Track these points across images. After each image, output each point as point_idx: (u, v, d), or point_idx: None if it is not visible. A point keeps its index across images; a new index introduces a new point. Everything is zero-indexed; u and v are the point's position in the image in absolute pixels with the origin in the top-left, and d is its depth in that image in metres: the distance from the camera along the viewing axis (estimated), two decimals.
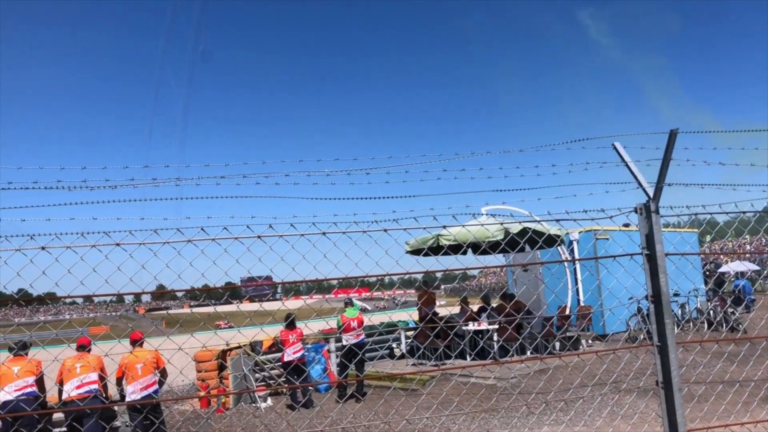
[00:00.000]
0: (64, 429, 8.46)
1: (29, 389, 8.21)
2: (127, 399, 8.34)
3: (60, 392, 8.30)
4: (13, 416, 7.51)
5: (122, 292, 4.73)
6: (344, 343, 12.14)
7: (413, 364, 14.23)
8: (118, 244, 4.47)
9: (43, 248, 4.15)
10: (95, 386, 8.17)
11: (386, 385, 12.98)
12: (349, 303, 12.64)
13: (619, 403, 9.29)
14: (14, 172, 4.30)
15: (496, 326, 13.42)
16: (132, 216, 4.11)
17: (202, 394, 12.80)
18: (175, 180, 4.27)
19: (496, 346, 13.31)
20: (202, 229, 4.51)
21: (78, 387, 8.05)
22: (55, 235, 4.09)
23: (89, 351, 8.64)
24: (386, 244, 4.56)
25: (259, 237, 4.70)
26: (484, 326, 13.57)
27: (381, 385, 13.10)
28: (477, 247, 14.76)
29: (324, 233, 4.49)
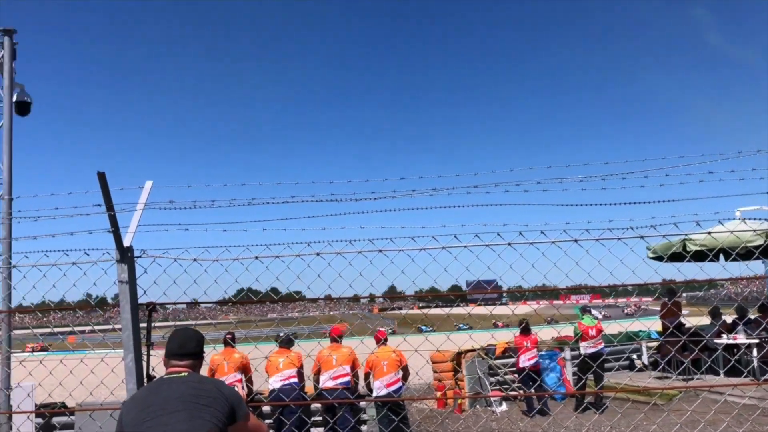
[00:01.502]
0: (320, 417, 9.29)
1: (292, 380, 9.15)
2: (375, 394, 8.92)
3: (317, 381, 9.12)
4: (281, 404, 8.47)
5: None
6: (582, 352, 11.77)
7: (656, 378, 13.35)
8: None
9: (318, 254, 4.67)
10: (347, 379, 8.85)
11: (626, 398, 12.34)
12: (587, 311, 12.25)
13: None
14: (293, 187, 4.86)
15: (756, 340, 12.10)
16: (393, 225, 4.44)
17: (439, 394, 13.22)
18: (431, 190, 4.51)
19: (755, 362, 12.00)
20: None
21: (333, 378, 8.80)
22: (328, 242, 4.57)
23: (340, 342, 9.39)
24: (642, 252, 4.37)
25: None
26: (740, 340, 12.32)
27: (620, 398, 12.48)
28: (728, 254, 13.42)
29: (576, 240, 4.45)
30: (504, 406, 12.88)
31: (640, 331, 16.96)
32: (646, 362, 15.00)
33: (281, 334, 9.71)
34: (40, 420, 9.45)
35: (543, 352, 13.40)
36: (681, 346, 12.39)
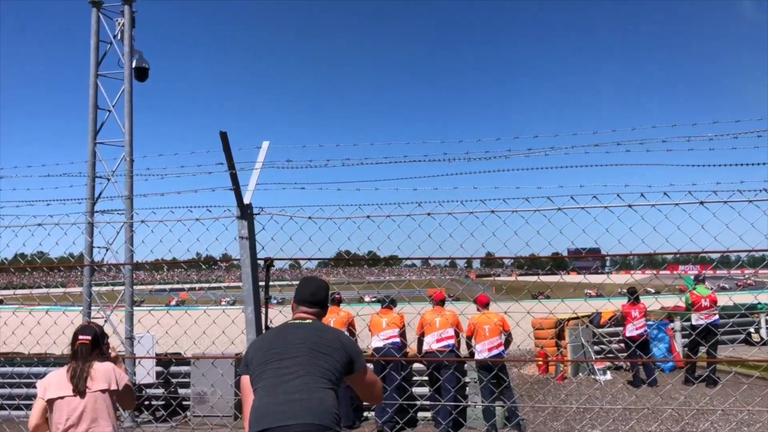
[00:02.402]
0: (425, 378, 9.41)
1: (395, 339, 9.31)
2: (476, 357, 8.92)
3: (420, 343, 9.22)
4: (384, 360, 8.64)
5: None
6: (694, 322, 11.26)
7: None
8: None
9: (429, 214, 4.66)
10: (452, 341, 8.89)
11: (741, 373, 11.73)
12: (700, 281, 11.66)
13: None
14: (405, 147, 4.85)
15: None
16: (507, 185, 4.35)
17: (542, 360, 13.07)
18: (547, 150, 4.38)
19: None
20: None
21: (438, 340, 8.86)
22: (439, 202, 4.55)
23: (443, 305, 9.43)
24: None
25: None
26: None
27: (738, 372, 11.88)
28: None
29: (702, 202, 4.21)
30: (608, 376, 12.57)
31: (759, 303, 15.99)
32: (765, 336, 14.19)
33: (383, 296, 9.86)
34: (159, 368, 10.09)
35: (651, 322, 12.92)
36: None
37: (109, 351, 4.22)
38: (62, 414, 3.84)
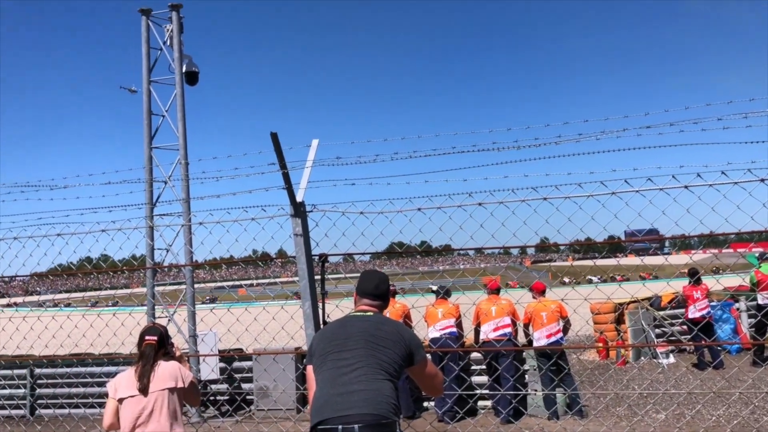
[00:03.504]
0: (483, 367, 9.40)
1: (451, 329, 9.31)
2: (534, 344, 8.87)
3: (476, 333, 9.21)
4: (442, 351, 8.67)
5: (548, 241, 5.05)
6: (761, 302, 10.91)
7: None
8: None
9: (480, 204, 4.66)
10: (509, 330, 8.85)
11: None
12: (765, 259, 11.28)
13: None
14: (453, 137, 4.85)
15: None
16: (558, 171, 4.31)
17: (602, 345, 12.87)
18: (598, 134, 4.32)
19: None
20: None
21: (495, 329, 8.83)
22: (490, 192, 4.54)
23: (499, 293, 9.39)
24: None
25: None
26: None
27: None
28: None
29: (763, 180, 4.08)
30: (671, 359, 12.30)
31: None
32: None
33: (435, 287, 9.84)
34: (222, 364, 10.36)
35: (715, 303, 12.56)
36: None
37: (174, 350, 4.38)
38: (131, 412, 4.00)
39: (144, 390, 4.02)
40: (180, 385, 4.14)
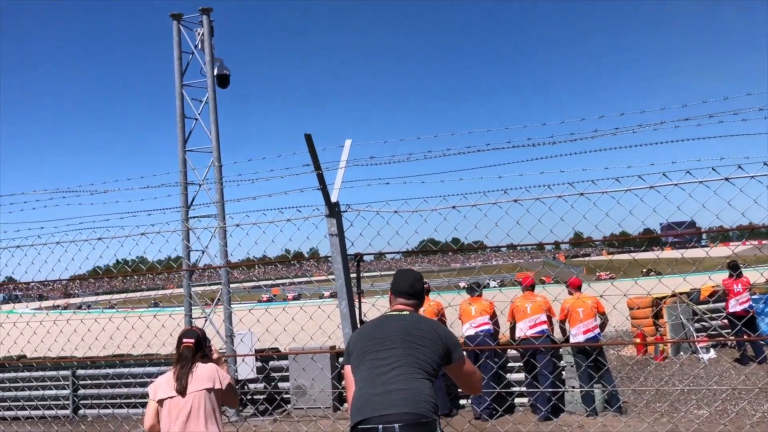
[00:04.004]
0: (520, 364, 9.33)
1: (487, 326, 9.25)
2: (571, 341, 8.78)
3: (512, 330, 9.14)
4: (479, 349, 8.64)
5: (584, 236, 5.00)
6: None
7: None
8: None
9: (515, 201, 4.63)
10: (545, 327, 8.78)
11: None
12: None
13: None
14: (487, 134, 4.82)
15: None
16: (595, 166, 4.26)
17: (639, 341, 12.69)
18: (635, 127, 4.25)
19: None
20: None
21: (531, 327, 8.76)
22: (525, 188, 4.51)
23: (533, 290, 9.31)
24: None
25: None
26: None
27: None
28: None
29: None
30: (712, 354, 12.06)
31: None
32: None
33: (471, 283, 9.80)
34: (259, 364, 10.46)
35: (757, 296, 12.28)
36: None
37: (212, 352, 4.45)
38: (171, 413, 4.08)
39: (182, 391, 4.09)
40: (217, 386, 4.20)
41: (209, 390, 4.16)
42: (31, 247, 6.53)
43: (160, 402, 4.15)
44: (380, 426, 2.98)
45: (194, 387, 4.13)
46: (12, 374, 11.37)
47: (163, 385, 4.20)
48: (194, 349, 4.28)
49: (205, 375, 4.19)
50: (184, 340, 4.31)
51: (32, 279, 6.99)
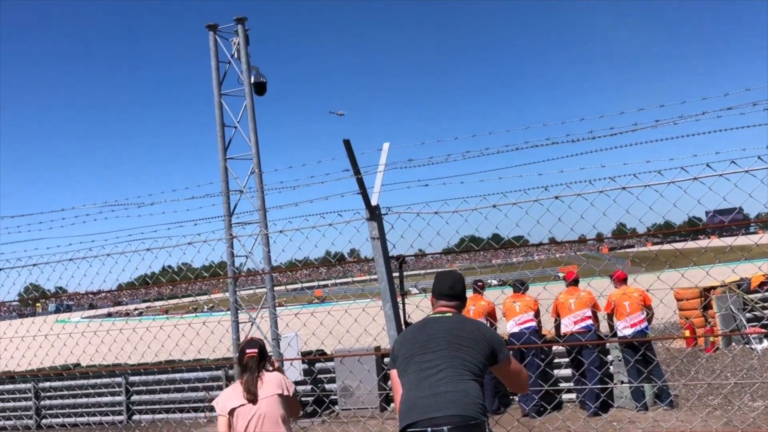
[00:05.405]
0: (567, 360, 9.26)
1: (530, 323, 9.20)
2: (618, 335, 8.66)
3: (557, 326, 9.07)
4: (525, 347, 8.60)
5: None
6: None
7: None
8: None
9: (557, 197, 4.62)
10: (590, 322, 8.68)
11: None
12: None
13: None
14: (525, 132, 4.82)
15: None
16: (636, 160, 4.23)
17: (688, 333, 12.45)
18: (676, 119, 4.20)
19: None
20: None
21: (576, 322, 8.68)
22: (566, 184, 4.49)
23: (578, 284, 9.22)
24: None
25: (746, 171, 4.32)
26: None
27: None
28: None
29: None
30: (765, 344, 11.76)
31: None
32: None
33: (514, 280, 9.75)
34: (305, 366, 10.59)
35: None
36: None
37: (273, 362, 4.55)
38: (243, 421, 4.16)
39: (253, 399, 4.17)
40: (286, 393, 4.29)
41: (279, 395, 4.25)
42: (83, 260, 6.74)
43: (231, 412, 4.21)
44: (429, 429, 3.00)
45: (265, 393, 4.21)
46: (69, 382, 11.75)
47: (231, 396, 4.28)
48: (258, 358, 4.36)
49: (274, 382, 4.29)
50: (248, 351, 4.39)
51: (85, 290, 7.21)
